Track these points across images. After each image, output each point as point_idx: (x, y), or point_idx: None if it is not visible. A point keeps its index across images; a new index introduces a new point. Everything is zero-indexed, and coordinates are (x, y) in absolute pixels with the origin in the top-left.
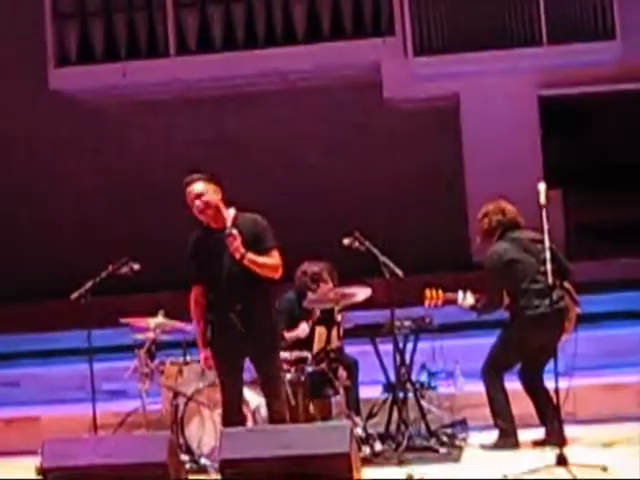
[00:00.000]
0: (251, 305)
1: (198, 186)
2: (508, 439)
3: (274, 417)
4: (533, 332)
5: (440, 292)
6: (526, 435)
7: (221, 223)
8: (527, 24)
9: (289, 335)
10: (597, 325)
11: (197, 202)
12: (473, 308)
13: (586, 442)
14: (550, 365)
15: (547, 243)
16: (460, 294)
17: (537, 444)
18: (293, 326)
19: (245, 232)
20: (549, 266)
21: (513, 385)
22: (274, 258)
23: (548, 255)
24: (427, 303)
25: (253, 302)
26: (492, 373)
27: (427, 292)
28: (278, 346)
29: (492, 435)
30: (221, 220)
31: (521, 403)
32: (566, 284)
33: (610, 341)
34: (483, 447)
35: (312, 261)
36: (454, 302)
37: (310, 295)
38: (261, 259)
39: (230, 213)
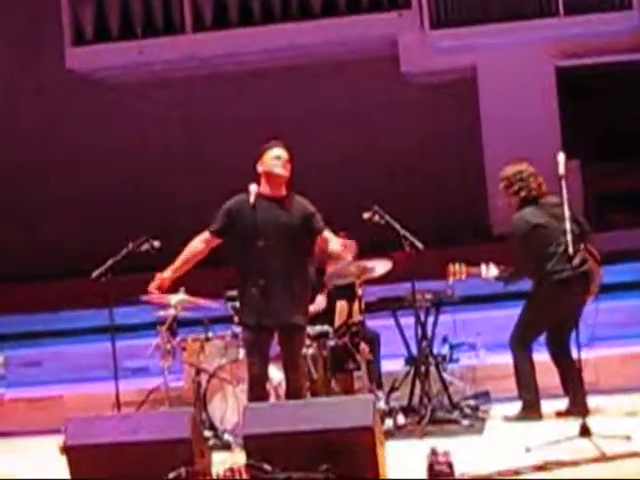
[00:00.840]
0: (291, 280)
1: (285, 152)
2: (531, 411)
3: (290, 387)
4: (561, 296)
5: (463, 266)
6: (550, 406)
7: (279, 193)
8: None
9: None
10: (617, 295)
11: (284, 162)
12: (499, 278)
13: (608, 412)
14: (572, 335)
15: (567, 213)
16: (483, 267)
17: (560, 415)
18: (311, 300)
19: (297, 213)
20: (569, 237)
21: (538, 356)
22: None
23: (568, 226)
24: (451, 278)
25: (292, 277)
26: (520, 344)
27: (450, 267)
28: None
29: (515, 407)
30: (281, 191)
31: (546, 374)
32: (589, 246)
33: (630, 311)
34: (506, 419)
35: None
36: (478, 275)
37: (330, 269)
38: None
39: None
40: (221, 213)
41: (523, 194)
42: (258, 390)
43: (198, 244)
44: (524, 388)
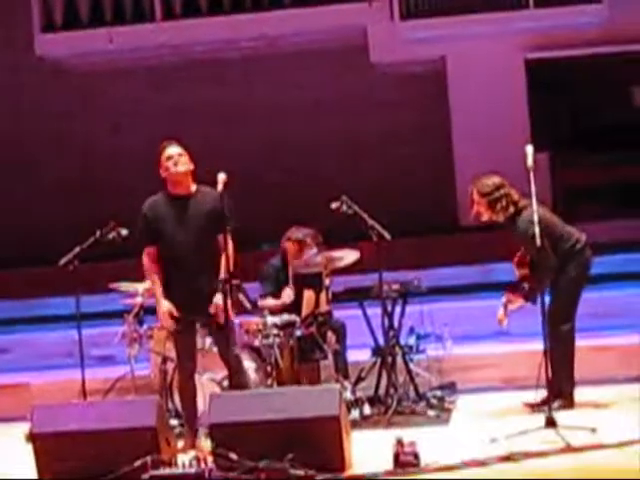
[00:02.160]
0: (207, 275)
1: (178, 148)
2: (570, 399)
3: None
4: (589, 262)
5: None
6: (516, 397)
7: (186, 190)
8: None
9: (275, 303)
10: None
11: (177, 159)
12: (528, 298)
13: (575, 404)
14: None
15: (535, 205)
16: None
17: (530, 406)
18: (278, 292)
19: (206, 206)
20: (537, 229)
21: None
22: (230, 246)
23: (536, 218)
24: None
25: (209, 271)
26: (566, 323)
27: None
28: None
29: (481, 397)
30: (187, 188)
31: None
32: None
33: (599, 303)
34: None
35: (298, 227)
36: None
37: (296, 260)
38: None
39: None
40: (140, 224)
41: (512, 210)
42: (188, 383)
43: (148, 264)
44: (566, 374)
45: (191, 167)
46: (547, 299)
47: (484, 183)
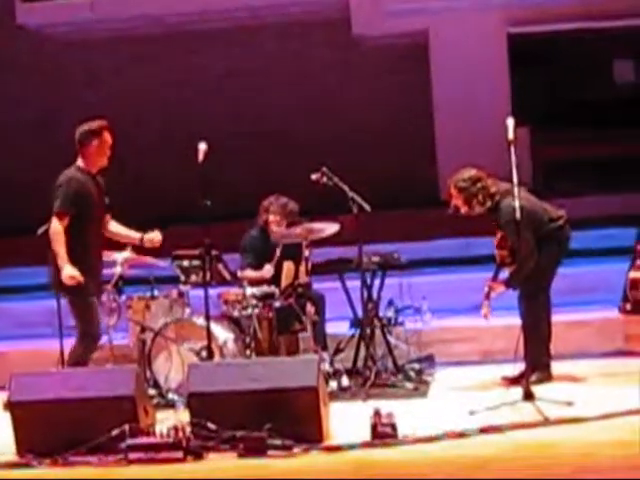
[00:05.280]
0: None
1: None
2: (547, 372)
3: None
4: (568, 239)
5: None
6: (494, 371)
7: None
8: None
9: (254, 274)
10: (563, 263)
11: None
12: (509, 284)
13: (553, 377)
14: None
15: (515, 178)
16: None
17: (508, 380)
18: (259, 263)
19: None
20: (517, 203)
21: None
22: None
23: (516, 191)
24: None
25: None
26: (539, 295)
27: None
28: None
29: (459, 370)
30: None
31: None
32: None
33: (575, 278)
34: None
35: (278, 196)
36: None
37: (276, 229)
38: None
39: None
40: (73, 195)
41: (489, 204)
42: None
43: (63, 231)
44: (541, 347)
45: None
46: None
47: (460, 178)
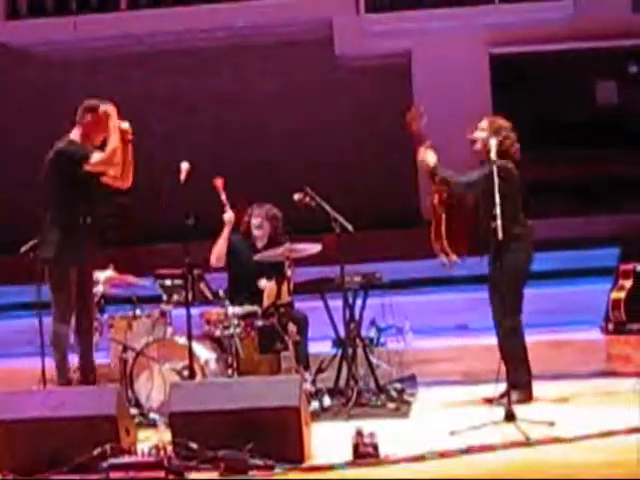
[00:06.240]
0: None
1: None
2: (528, 392)
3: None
4: (532, 250)
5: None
6: (476, 391)
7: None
8: None
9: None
10: (546, 283)
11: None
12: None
13: (534, 398)
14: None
15: (497, 199)
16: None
17: (489, 400)
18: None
19: None
20: (499, 222)
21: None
22: None
23: (499, 211)
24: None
25: None
26: (516, 315)
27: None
28: None
29: (441, 390)
30: None
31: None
32: None
33: (557, 299)
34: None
35: (260, 204)
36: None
37: (257, 233)
38: None
39: None
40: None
41: (503, 147)
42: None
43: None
44: (521, 367)
45: None
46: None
47: (499, 122)
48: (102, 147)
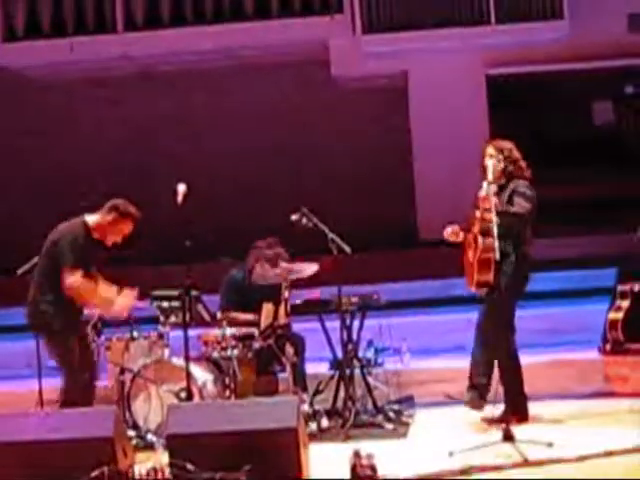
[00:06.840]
0: None
1: None
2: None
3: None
4: (528, 273)
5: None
6: (474, 412)
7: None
8: (475, 3)
9: (245, 317)
10: (545, 303)
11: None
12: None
13: (532, 418)
14: None
15: (494, 219)
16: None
17: (487, 421)
18: (240, 304)
19: None
20: (497, 243)
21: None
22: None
23: (496, 231)
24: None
25: None
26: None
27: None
28: None
29: (439, 411)
30: None
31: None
32: None
33: (556, 319)
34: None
35: (264, 241)
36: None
37: (257, 270)
38: None
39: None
40: (82, 251)
41: (503, 181)
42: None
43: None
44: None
45: None
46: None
47: (503, 144)
48: (109, 249)
